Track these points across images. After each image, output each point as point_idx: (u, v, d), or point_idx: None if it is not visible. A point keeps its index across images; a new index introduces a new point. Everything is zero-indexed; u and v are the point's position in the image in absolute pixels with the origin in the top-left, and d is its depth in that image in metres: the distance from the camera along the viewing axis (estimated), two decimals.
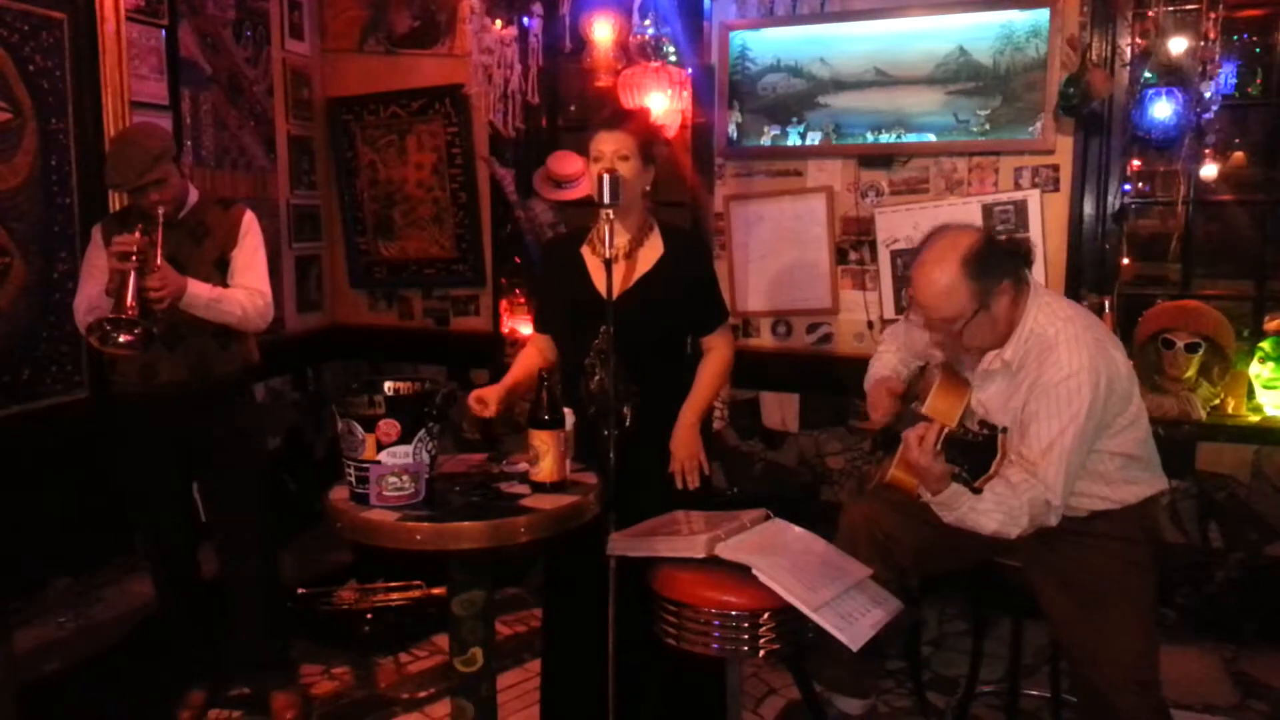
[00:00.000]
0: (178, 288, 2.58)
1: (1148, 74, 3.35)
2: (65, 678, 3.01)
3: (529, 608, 3.69)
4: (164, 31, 3.72)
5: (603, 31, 3.65)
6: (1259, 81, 3.59)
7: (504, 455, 2.41)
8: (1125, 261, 3.61)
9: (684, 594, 2.03)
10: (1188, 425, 3.39)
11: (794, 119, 3.86)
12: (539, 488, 2.13)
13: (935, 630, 3.53)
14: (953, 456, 1.90)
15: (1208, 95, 3.25)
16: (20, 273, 3.26)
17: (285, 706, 2.97)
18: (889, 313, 3.77)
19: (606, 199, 2.23)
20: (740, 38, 3.88)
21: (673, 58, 3.63)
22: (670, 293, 2.47)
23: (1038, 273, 3.30)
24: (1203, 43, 3.25)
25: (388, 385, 2.16)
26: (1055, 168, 3.54)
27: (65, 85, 3.38)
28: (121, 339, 2.51)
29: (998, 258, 2.13)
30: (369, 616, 3.47)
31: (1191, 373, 3.41)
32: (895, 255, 3.75)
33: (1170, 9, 3.34)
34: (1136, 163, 3.56)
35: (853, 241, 3.84)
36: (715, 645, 2.02)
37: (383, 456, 2.01)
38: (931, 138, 3.68)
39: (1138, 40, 3.40)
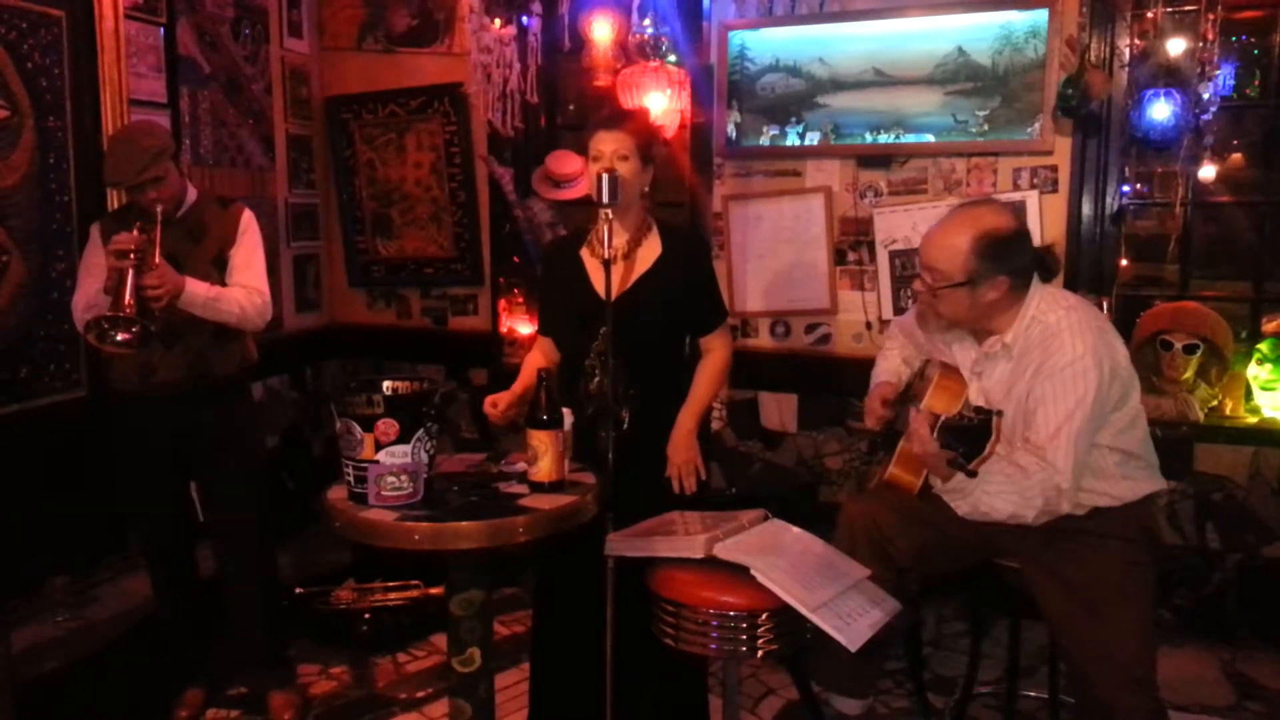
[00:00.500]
0: (176, 286, 2.58)
1: (1146, 75, 3.36)
2: (63, 676, 3.00)
3: (527, 608, 3.68)
4: (162, 29, 3.72)
5: (602, 31, 3.65)
6: (1257, 83, 3.59)
7: (502, 455, 2.42)
8: (1123, 262, 3.62)
9: (682, 594, 2.03)
10: (1185, 426, 3.40)
11: (793, 119, 3.86)
12: (537, 487, 2.13)
13: (934, 630, 3.53)
14: (948, 442, 1.91)
15: (1206, 96, 3.25)
16: (18, 271, 3.26)
17: (283, 706, 2.97)
18: (887, 313, 3.77)
19: (605, 199, 2.23)
20: (739, 37, 3.88)
21: (671, 57, 3.63)
22: (669, 292, 2.47)
23: None
24: (1201, 44, 3.25)
25: (386, 385, 2.16)
26: (1054, 168, 3.55)
27: (63, 83, 3.37)
28: (119, 337, 2.50)
29: (1014, 253, 2.15)
30: (367, 616, 3.47)
31: (1189, 374, 3.42)
32: (894, 256, 3.75)
33: (1169, 10, 3.34)
34: (1135, 164, 3.56)
35: (851, 242, 3.84)
36: (713, 645, 2.01)
37: (381, 456, 2.01)
38: (930, 138, 3.69)
39: (1136, 41, 3.40)
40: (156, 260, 2.55)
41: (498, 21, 3.77)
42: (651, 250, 2.50)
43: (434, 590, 3.51)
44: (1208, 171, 3.50)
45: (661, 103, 3.54)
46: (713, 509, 2.34)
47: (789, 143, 3.88)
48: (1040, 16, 3.46)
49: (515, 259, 4.30)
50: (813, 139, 3.84)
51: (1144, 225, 3.75)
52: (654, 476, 2.48)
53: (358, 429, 2.01)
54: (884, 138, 3.74)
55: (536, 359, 2.65)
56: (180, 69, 3.80)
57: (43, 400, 3.34)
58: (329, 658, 3.36)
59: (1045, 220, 3.54)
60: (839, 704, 2.41)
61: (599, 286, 2.36)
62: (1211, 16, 3.21)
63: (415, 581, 3.61)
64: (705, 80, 3.84)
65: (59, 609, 3.31)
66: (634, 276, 2.47)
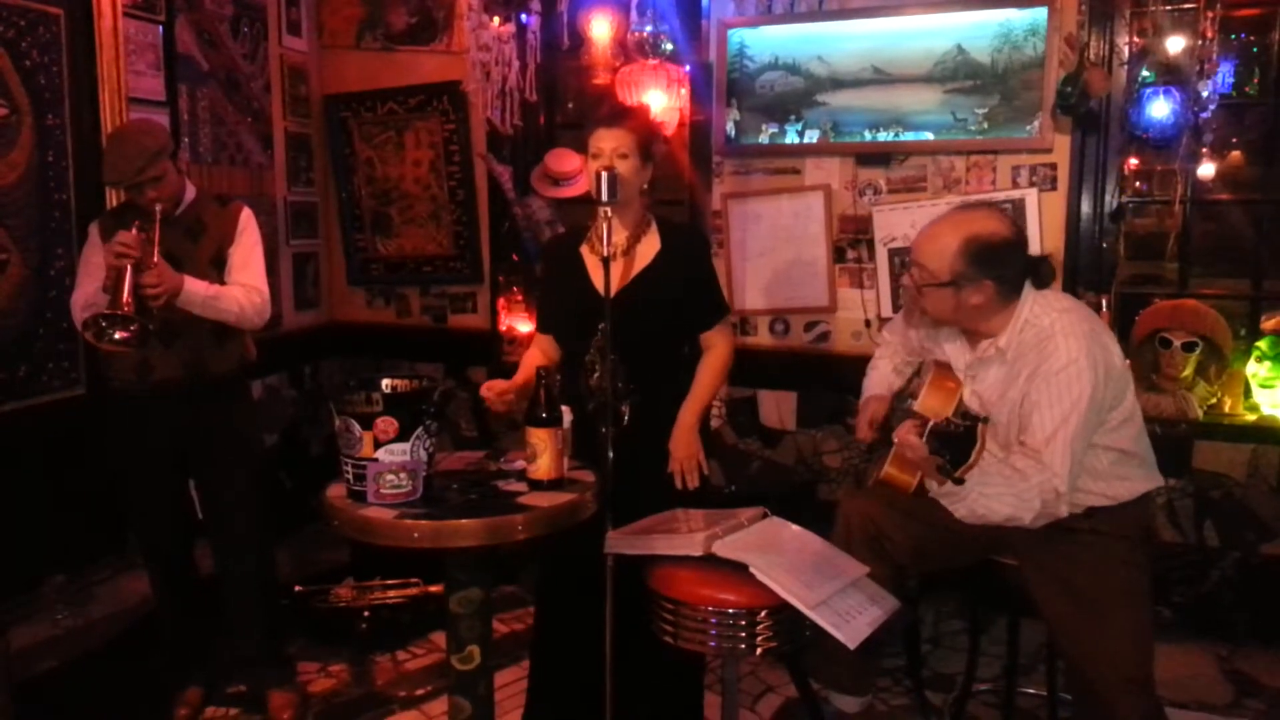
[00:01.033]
0: (174, 285, 2.58)
1: (1145, 73, 3.36)
2: (61, 675, 3.00)
3: (526, 605, 3.69)
4: (161, 27, 3.71)
5: (601, 29, 3.65)
6: (1256, 80, 3.60)
7: (502, 453, 2.42)
8: (1122, 260, 3.62)
9: (681, 592, 2.03)
10: (1184, 424, 3.40)
11: (792, 117, 3.85)
12: (537, 485, 2.13)
13: (932, 628, 3.53)
14: (935, 448, 1.91)
15: (1205, 94, 3.25)
16: (17, 269, 3.26)
17: (282, 704, 2.97)
18: (886, 311, 3.77)
19: (604, 196, 2.23)
20: (738, 35, 3.87)
21: (671, 55, 3.63)
22: (669, 288, 2.47)
23: None
24: (1200, 42, 3.25)
25: (385, 383, 2.16)
26: (1053, 166, 3.54)
27: (62, 81, 3.37)
28: (117, 335, 2.50)
29: (1002, 260, 2.14)
30: (366, 614, 3.47)
31: (1188, 372, 3.42)
32: (893, 253, 3.75)
33: (1168, 8, 3.34)
34: (1134, 162, 3.56)
35: (850, 240, 3.84)
36: (712, 643, 2.01)
37: (380, 454, 2.01)
38: (929, 136, 3.68)
39: (1135, 39, 3.40)
40: (155, 259, 2.55)
41: (496, 19, 3.77)
42: (650, 247, 2.50)
43: (433, 588, 3.51)
44: (1207, 169, 3.51)
45: (660, 101, 3.54)
46: (712, 507, 2.34)
47: (788, 141, 3.87)
48: (1039, 14, 3.46)
49: (514, 257, 4.30)
50: (812, 137, 3.84)
51: (1143, 223, 3.75)
52: (653, 473, 2.48)
53: (357, 427, 2.01)
54: (883, 136, 3.74)
55: (535, 356, 2.65)
56: (179, 67, 3.79)
57: (41, 398, 3.34)
58: (328, 656, 3.36)
59: (1044, 218, 3.54)
60: (838, 701, 2.41)
61: (598, 283, 2.36)
62: (1210, 14, 3.22)
63: (414, 579, 3.61)
64: (704, 78, 3.84)
65: (57, 607, 3.30)
66: (633, 273, 2.47)
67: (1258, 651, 3.35)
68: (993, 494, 2.04)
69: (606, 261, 2.27)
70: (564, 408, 2.23)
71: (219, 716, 3.00)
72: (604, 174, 2.23)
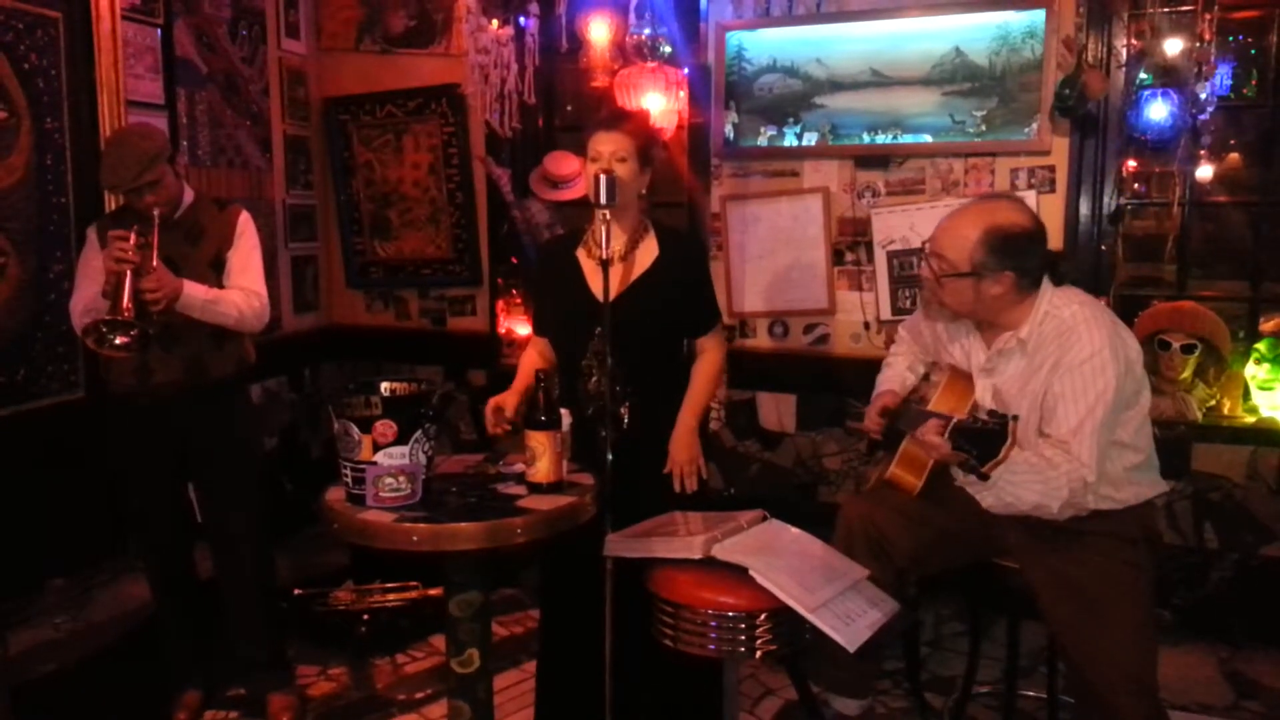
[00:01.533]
0: (174, 289, 2.58)
1: (1143, 75, 3.36)
2: (61, 679, 2.99)
3: (526, 609, 3.69)
4: (160, 30, 3.71)
5: (599, 31, 3.65)
6: (1254, 83, 3.60)
7: (501, 456, 2.41)
8: (1121, 262, 3.62)
9: (681, 595, 2.03)
10: (1183, 426, 3.40)
11: (790, 119, 3.86)
12: (536, 488, 2.13)
13: (932, 631, 3.53)
14: (960, 444, 1.91)
15: (1203, 96, 3.26)
16: (15, 272, 3.26)
17: (281, 708, 2.97)
18: (885, 313, 3.77)
19: (603, 199, 2.23)
20: (736, 38, 3.88)
21: (669, 58, 3.63)
22: (666, 294, 2.47)
23: None
24: (1198, 44, 3.25)
25: (384, 386, 2.16)
26: (1051, 168, 3.55)
27: (60, 84, 3.37)
28: (118, 341, 2.50)
29: (1023, 251, 2.14)
30: (365, 617, 3.47)
31: (1187, 374, 3.42)
32: (892, 256, 3.75)
33: (1166, 10, 3.34)
34: (1132, 164, 3.56)
35: (849, 242, 3.84)
36: (712, 646, 2.01)
37: (379, 457, 2.01)
38: (928, 138, 3.69)
39: (1133, 41, 3.41)
40: (154, 263, 2.55)
41: (495, 22, 3.77)
42: (649, 253, 2.50)
43: (432, 591, 3.51)
44: (1205, 171, 3.50)
45: (659, 103, 3.54)
46: (711, 509, 2.34)
47: (786, 143, 3.88)
48: (1037, 17, 3.46)
49: (513, 260, 4.31)
50: (810, 139, 3.84)
51: (1141, 225, 3.75)
52: (652, 476, 2.47)
53: (356, 430, 2.01)
54: (881, 138, 3.74)
55: (532, 358, 2.65)
56: (178, 70, 3.80)
57: (41, 402, 3.34)
58: (327, 659, 3.36)
59: (1043, 220, 3.53)
60: (838, 704, 2.41)
61: (595, 287, 2.36)
62: (1208, 16, 3.22)
63: (414, 583, 3.61)
64: (702, 81, 3.85)
65: (57, 611, 3.30)
66: (631, 278, 2.47)
67: (1257, 653, 3.35)
68: (1020, 481, 2.04)
69: (605, 265, 2.27)
70: (563, 410, 2.23)
71: None
72: (602, 177, 2.23)
